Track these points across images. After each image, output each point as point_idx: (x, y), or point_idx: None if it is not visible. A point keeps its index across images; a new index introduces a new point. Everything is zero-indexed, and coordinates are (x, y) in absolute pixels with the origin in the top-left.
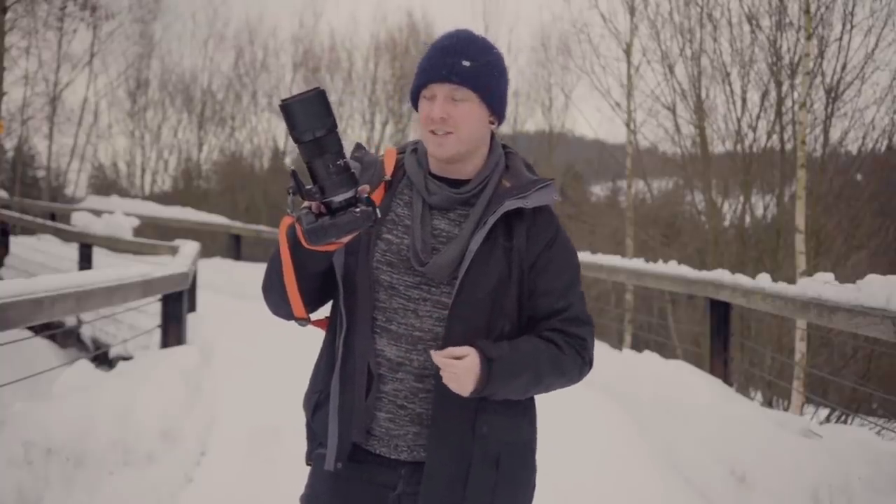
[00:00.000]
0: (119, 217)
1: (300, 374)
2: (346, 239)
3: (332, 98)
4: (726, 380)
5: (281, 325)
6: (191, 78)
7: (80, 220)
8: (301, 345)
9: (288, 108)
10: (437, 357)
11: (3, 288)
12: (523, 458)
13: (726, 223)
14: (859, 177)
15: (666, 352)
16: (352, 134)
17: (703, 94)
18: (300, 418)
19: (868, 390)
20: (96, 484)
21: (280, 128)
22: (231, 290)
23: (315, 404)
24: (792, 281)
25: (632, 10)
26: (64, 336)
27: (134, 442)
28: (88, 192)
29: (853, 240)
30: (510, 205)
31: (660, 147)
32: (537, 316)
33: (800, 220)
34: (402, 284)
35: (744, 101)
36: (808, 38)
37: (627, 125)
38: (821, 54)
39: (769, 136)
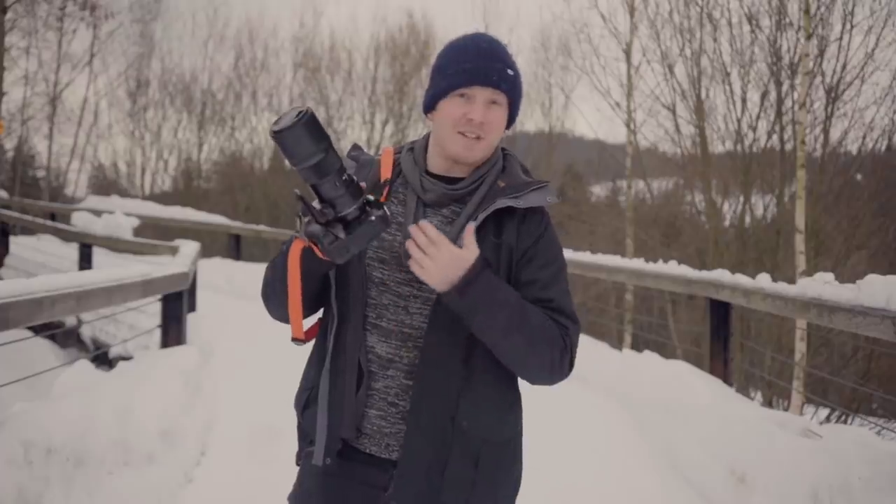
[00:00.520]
0: (119, 217)
1: (300, 374)
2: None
3: (332, 98)
4: (726, 380)
5: (281, 325)
6: (191, 78)
7: (80, 220)
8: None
9: (281, 139)
10: (424, 229)
11: (3, 288)
12: (505, 457)
13: (726, 223)
14: (859, 177)
15: (666, 352)
16: (352, 134)
17: (703, 94)
18: None
19: (868, 390)
20: (96, 484)
21: None
22: (231, 290)
23: (305, 402)
24: (792, 281)
25: (632, 10)
26: (64, 336)
27: (134, 442)
28: (88, 192)
29: (853, 240)
30: (502, 203)
31: (660, 147)
32: None
33: (800, 220)
34: (393, 281)
35: (744, 101)
36: (808, 38)
37: (627, 125)
38: (821, 54)
39: (769, 136)
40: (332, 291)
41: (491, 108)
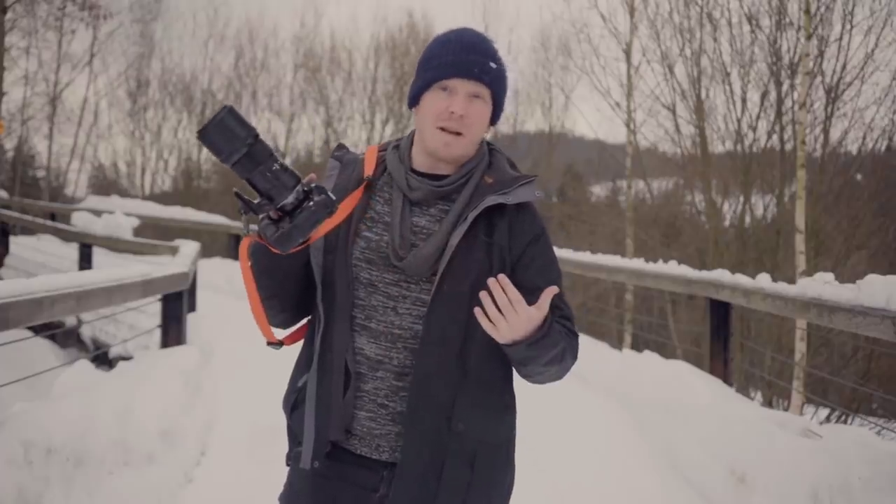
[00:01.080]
0: (119, 217)
1: None
2: (315, 234)
3: (333, 98)
4: (726, 380)
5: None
6: (191, 78)
7: (80, 220)
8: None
9: (205, 138)
10: (505, 288)
11: (3, 288)
12: (500, 459)
13: (726, 223)
14: (859, 177)
15: (666, 352)
16: (352, 134)
17: (703, 94)
18: None
19: (868, 390)
20: (96, 484)
21: (280, 128)
22: (231, 290)
23: (293, 403)
24: (792, 281)
25: (631, 11)
26: (64, 336)
27: (134, 442)
28: (88, 192)
29: (853, 240)
30: (492, 200)
31: (660, 147)
32: None
33: (800, 220)
34: (382, 281)
35: (744, 101)
36: (808, 38)
37: (627, 125)
38: (821, 54)
39: (769, 136)
40: (318, 296)
41: (473, 101)
